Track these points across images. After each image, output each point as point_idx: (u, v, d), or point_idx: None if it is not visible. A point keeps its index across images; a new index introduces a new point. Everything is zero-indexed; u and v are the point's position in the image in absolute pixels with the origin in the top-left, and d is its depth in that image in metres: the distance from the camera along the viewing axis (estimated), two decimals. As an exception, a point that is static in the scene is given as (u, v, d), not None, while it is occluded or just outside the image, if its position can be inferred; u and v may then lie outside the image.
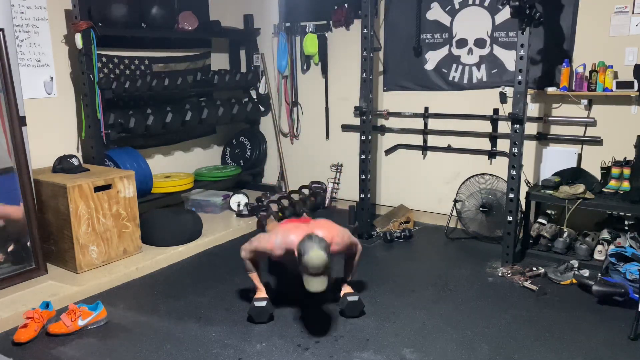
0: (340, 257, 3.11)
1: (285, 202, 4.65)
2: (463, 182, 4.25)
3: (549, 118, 4.02)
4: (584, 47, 3.79)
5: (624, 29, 3.64)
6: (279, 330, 2.87)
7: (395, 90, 4.67)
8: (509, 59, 4.09)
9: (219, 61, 5.26)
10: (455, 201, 4.27)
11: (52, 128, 3.92)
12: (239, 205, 4.71)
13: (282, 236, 2.88)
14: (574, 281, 3.35)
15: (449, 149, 4.49)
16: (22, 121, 3.32)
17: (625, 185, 3.62)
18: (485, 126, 4.28)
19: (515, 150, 3.55)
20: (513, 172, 3.58)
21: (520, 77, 3.42)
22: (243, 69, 5.35)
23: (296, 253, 2.72)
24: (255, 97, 5.29)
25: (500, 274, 3.55)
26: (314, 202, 4.89)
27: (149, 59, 4.54)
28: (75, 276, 3.41)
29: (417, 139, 4.63)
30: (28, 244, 3.36)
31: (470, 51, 4.27)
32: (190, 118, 4.52)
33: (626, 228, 3.65)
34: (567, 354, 2.62)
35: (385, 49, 4.62)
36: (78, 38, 3.73)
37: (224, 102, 4.92)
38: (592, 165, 3.86)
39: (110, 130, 4.01)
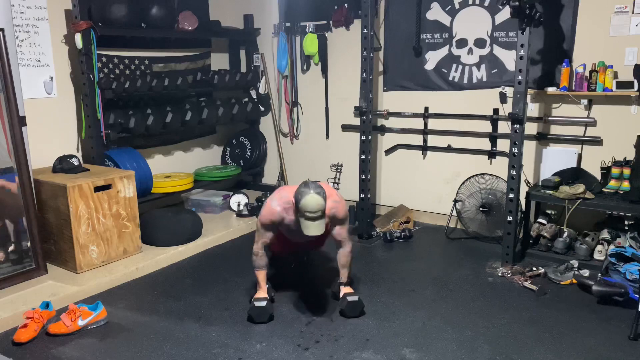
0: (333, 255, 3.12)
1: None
2: (463, 182, 4.25)
3: (549, 118, 4.02)
4: (584, 47, 3.79)
5: (624, 29, 3.64)
6: (279, 330, 2.87)
7: (395, 90, 4.67)
8: (509, 59, 4.09)
9: (219, 61, 5.26)
10: (455, 201, 4.27)
11: (52, 128, 3.92)
12: (239, 205, 4.71)
13: (278, 197, 2.95)
14: (574, 281, 3.35)
15: (449, 149, 4.49)
16: (22, 121, 3.32)
17: (625, 185, 3.62)
18: (485, 126, 4.28)
19: (515, 150, 3.55)
20: (513, 172, 3.58)
21: (520, 77, 3.42)
22: (243, 69, 5.35)
23: (293, 202, 2.77)
24: (255, 97, 5.29)
25: (500, 274, 3.55)
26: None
27: (149, 59, 4.54)
28: (75, 276, 3.41)
29: (417, 139, 4.63)
30: (28, 243, 3.36)
31: (470, 51, 4.27)
32: (190, 118, 4.52)
33: (626, 228, 3.65)
34: (567, 354, 2.62)
35: (385, 49, 4.62)
36: (78, 38, 3.73)
37: (224, 102, 4.92)
38: (592, 165, 3.86)
39: (110, 130, 4.01)
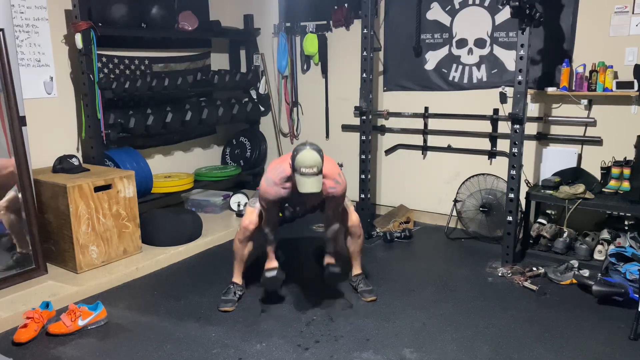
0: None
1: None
2: (463, 182, 4.25)
3: (549, 118, 4.02)
4: (584, 47, 3.79)
5: (624, 29, 3.64)
6: (279, 330, 2.87)
7: (395, 90, 4.67)
8: (509, 59, 4.09)
9: (219, 61, 5.26)
10: (455, 201, 4.27)
11: (52, 128, 3.92)
12: (239, 205, 4.71)
13: (271, 174, 2.91)
14: (574, 281, 3.35)
15: (449, 149, 4.49)
16: (22, 121, 3.32)
17: (625, 185, 3.62)
18: (485, 126, 4.28)
19: (515, 150, 3.55)
20: (513, 172, 3.58)
21: (520, 77, 3.42)
22: (243, 69, 5.35)
23: (290, 164, 2.76)
24: (255, 97, 5.29)
25: (500, 274, 3.55)
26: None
27: (149, 59, 4.54)
28: (75, 276, 3.41)
29: (417, 139, 4.63)
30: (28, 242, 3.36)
31: (470, 51, 4.27)
32: (190, 118, 4.52)
33: (626, 228, 3.65)
34: (567, 354, 2.62)
35: (385, 49, 4.62)
36: (78, 38, 3.73)
37: (224, 102, 4.92)
38: (592, 165, 3.86)
39: (110, 130, 4.01)
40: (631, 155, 3.65)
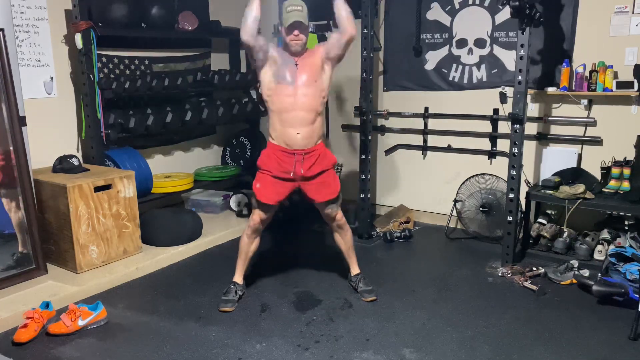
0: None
1: (285, 202, 4.64)
2: (463, 182, 4.25)
3: (549, 118, 4.02)
4: (584, 47, 3.79)
5: (624, 29, 3.64)
6: (279, 330, 2.87)
7: (395, 90, 4.67)
8: (509, 59, 4.09)
9: (219, 61, 5.25)
10: (455, 201, 4.27)
11: (52, 128, 3.92)
12: (239, 205, 4.71)
13: None
14: (574, 281, 3.35)
15: (449, 149, 4.49)
16: (22, 121, 3.32)
17: (625, 185, 3.62)
18: (485, 126, 4.28)
19: (515, 150, 3.55)
20: (513, 172, 3.58)
21: (520, 77, 3.42)
22: (243, 69, 5.34)
23: (280, 28, 3.02)
24: (255, 97, 5.28)
25: (500, 274, 3.55)
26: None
27: (149, 59, 4.54)
28: (75, 276, 3.41)
29: (417, 139, 4.63)
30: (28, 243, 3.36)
31: (470, 51, 4.27)
32: (190, 118, 4.52)
33: (626, 228, 3.65)
34: (567, 354, 2.62)
35: (385, 49, 4.62)
36: (78, 38, 3.73)
37: (224, 102, 4.92)
38: (592, 165, 3.86)
39: (110, 130, 4.01)
40: (631, 155, 3.65)
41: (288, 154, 3.02)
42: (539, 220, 3.92)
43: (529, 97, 3.72)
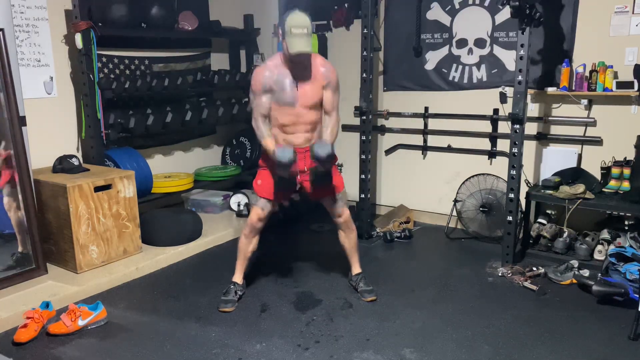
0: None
1: (285, 202, 4.64)
2: (463, 182, 4.25)
3: (549, 118, 4.02)
4: (584, 47, 3.79)
5: (624, 29, 3.64)
6: (279, 330, 2.87)
7: (395, 90, 4.67)
8: (509, 59, 4.09)
9: (219, 61, 5.25)
10: (455, 201, 4.27)
11: (52, 128, 3.92)
12: (239, 205, 4.71)
13: (265, 63, 3.00)
14: (574, 281, 3.35)
15: (449, 149, 4.49)
16: (22, 121, 3.32)
17: (625, 185, 3.62)
18: (485, 126, 4.28)
19: (515, 150, 3.55)
20: (513, 172, 3.58)
21: (520, 77, 3.42)
22: (243, 69, 5.35)
23: (280, 33, 2.86)
24: (255, 97, 5.28)
25: (500, 274, 3.55)
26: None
27: (149, 59, 4.54)
28: (75, 276, 3.41)
29: (417, 139, 4.63)
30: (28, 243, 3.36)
31: (470, 51, 4.27)
32: (190, 118, 4.52)
33: (626, 228, 3.65)
34: (567, 354, 2.62)
35: (385, 49, 4.62)
36: (78, 38, 3.73)
37: (224, 102, 4.92)
38: (592, 165, 3.86)
39: (110, 130, 4.01)
40: (631, 155, 3.65)
41: None
42: (539, 220, 3.92)
43: (529, 97, 3.72)
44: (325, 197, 3.15)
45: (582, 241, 3.70)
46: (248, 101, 5.11)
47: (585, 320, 2.95)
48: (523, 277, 3.44)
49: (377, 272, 3.62)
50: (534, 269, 3.54)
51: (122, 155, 4.10)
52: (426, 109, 4.53)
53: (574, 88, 3.77)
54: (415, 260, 3.91)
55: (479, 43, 4.22)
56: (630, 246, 3.45)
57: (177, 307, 3.14)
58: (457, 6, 4.26)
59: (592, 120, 3.85)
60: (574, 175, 3.84)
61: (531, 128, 4.02)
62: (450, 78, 4.38)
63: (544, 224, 3.87)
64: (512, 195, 3.61)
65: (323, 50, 4.89)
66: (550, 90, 3.85)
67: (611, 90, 3.61)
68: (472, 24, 4.22)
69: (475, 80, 4.29)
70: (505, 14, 4.02)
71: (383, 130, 4.77)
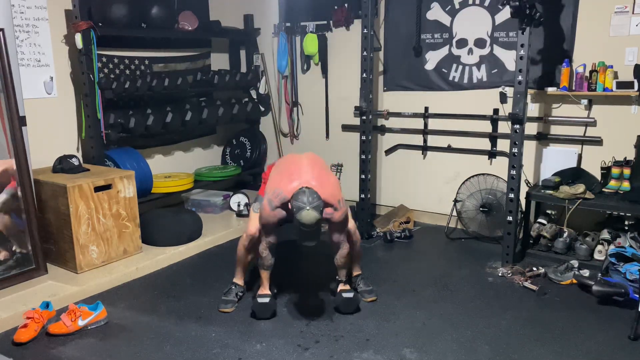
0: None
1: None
2: (463, 182, 4.25)
3: (549, 118, 4.02)
4: (584, 47, 3.79)
5: (624, 29, 3.64)
6: (279, 330, 2.87)
7: (395, 90, 4.67)
8: (509, 59, 4.09)
9: (219, 61, 5.26)
10: (455, 201, 4.27)
11: (52, 128, 3.92)
12: (239, 205, 4.71)
13: (273, 196, 2.83)
14: (574, 281, 3.35)
15: (449, 149, 4.49)
16: (22, 121, 3.32)
17: (625, 185, 3.62)
18: (485, 126, 4.28)
19: (515, 150, 3.54)
20: (513, 172, 3.58)
21: (520, 77, 3.42)
22: (243, 69, 5.35)
23: (290, 206, 2.75)
24: (255, 97, 5.29)
25: (500, 274, 3.55)
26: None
27: (149, 59, 4.54)
28: (75, 276, 3.41)
29: (417, 139, 4.63)
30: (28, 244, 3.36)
31: (470, 51, 4.27)
32: (190, 118, 4.52)
33: (626, 228, 3.65)
34: (567, 354, 2.62)
35: (385, 49, 4.62)
36: (78, 38, 3.73)
37: (224, 102, 4.92)
38: (592, 165, 3.86)
39: (110, 130, 4.01)
40: (631, 155, 3.66)
41: None
42: (539, 220, 3.92)
43: (529, 97, 3.72)
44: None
45: (582, 241, 3.70)
46: (248, 101, 5.14)
47: (585, 320, 2.95)
48: (523, 277, 3.44)
49: (377, 272, 3.62)
50: (534, 269, 3.54)
51: (122, 155, 4.10)
52: (426, 109, 4.53)
53: (574, 88, 3.77)
54: (415, 261, 3.91)
55: (479, 43, 4.22)
56: (630, 246, 3.45)
57: (177, 307, 3.14)
58: (457, 6, 4.26)
59: (592, 120, 3.85)
60: (574, 175, 3.84)
61: (531, 128, 4.02)
62: (451, 78, 4.38)
63: (544, 224, 3.87)
64: (512, 195, 3.61)
65: (323, 50, 4.90)
66: (550, 90, 3.85)
67: (611, 90, 3.61)
68: (472, 24, 4.22)
69: (475, 80, 4.28)
70: (505, 14, 4.02)
71: (383, 130, 4.77)
